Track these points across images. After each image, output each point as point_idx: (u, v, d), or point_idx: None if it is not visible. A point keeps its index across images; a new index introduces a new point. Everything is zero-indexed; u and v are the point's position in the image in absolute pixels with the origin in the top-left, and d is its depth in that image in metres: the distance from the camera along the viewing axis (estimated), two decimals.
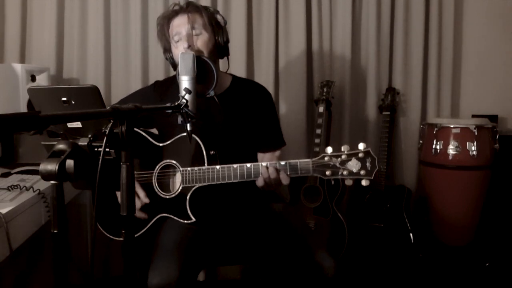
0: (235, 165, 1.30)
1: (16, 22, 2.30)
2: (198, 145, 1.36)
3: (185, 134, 1.37)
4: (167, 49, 1.55)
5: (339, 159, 1.20)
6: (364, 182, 1.19)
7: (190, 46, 1.43)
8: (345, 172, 1.20)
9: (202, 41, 1.46)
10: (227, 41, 1.53)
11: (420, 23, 2.38)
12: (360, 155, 1.19)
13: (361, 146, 1.20)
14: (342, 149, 1.21)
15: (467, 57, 2.49)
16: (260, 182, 1.29)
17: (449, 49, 2.41)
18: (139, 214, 1.41)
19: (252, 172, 1.29)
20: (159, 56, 2.33)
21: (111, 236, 1.48)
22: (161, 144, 1.46)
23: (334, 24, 2.40)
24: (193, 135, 1.35)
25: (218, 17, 1.52)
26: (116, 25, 2.34)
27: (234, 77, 1.63)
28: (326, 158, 1.21)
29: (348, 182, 1.21)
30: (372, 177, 1.19)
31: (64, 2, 2.33)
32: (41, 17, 2.32)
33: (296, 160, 1.27)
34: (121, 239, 1.44)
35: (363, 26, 2.42)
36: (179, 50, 1.45)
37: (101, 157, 0.78)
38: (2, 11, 2.31)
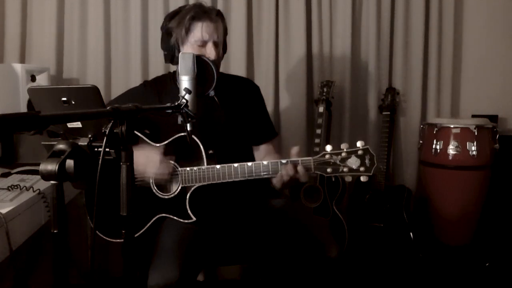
0: (235, 164, 1.32)
1: (16, 22, 2.30)
2: (197, 145, 1.36)
3: (182, 134, 1.37)
4: (175, 45, 1.47)
5: (339, 156, 1.24)
6: (362, 178, 1.24)
7: (217, 57, 1.45)
8: (345, 169, 1.24)
9: (221, 49, 1.51)
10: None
11: (420, 23, 2.38)
12: (360, 152, 1.23)
13: (359, 143, 1.24)
14: (342, 146, 1.25)
15: (467, 57, 2.48)
16: (278, 181, 1.31)
17: (449, 49, 2.41)
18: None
19: (253, 170, 1.31)
20: (159, 55, 2.32)
21: (106, 238, 1.45)
22: (157, 145, 1.44)
23: (334, 24, 2.40)
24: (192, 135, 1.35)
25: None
26: (116, 25, 2.35)
27: (221, 74, 1.63)
28: (326, 156, 1.25)
29: (348, 178, 1.25)
30: (371, 173, 1.23)
31: (64, 2, 2.33)
32: (41, 17, 2.32)
33: (298, 158, 1.29)
34: (118, 240, 1.42)
35: (363, 26, 2.42)
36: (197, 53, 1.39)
37: (101, 157, 0.78)
38: (2, 11, 2.31)
